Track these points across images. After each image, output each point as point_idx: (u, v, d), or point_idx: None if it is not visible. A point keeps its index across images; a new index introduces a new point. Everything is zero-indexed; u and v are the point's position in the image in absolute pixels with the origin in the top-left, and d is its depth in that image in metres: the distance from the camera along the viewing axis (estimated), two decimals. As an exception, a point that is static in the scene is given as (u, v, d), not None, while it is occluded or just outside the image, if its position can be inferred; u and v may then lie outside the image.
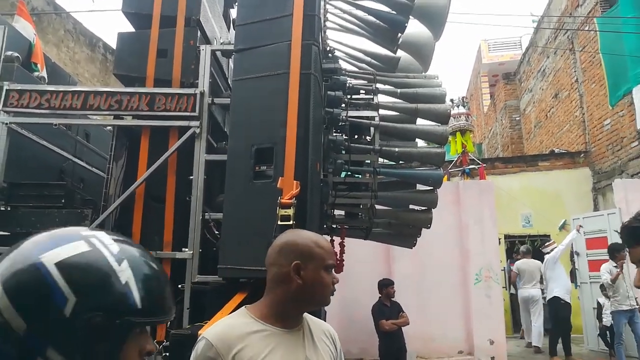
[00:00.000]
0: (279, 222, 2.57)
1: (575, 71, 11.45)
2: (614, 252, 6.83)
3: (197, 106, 3.30)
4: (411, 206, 4.30)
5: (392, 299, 6.88)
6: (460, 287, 7.48)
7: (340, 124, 3.65)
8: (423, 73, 4.24)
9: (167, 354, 2.64)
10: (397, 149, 3.75)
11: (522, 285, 9.01)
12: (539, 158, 11.39)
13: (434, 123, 3.80)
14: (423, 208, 3.84)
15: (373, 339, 6.67)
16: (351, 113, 3.82)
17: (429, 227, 3.87)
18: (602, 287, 7.89)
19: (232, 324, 1.32)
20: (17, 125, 3.44)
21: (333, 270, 1.38)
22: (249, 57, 3.02)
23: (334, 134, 3.68)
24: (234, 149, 2.91)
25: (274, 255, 1.40)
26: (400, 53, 5.03)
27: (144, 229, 3.26)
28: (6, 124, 3.33)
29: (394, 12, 4.27)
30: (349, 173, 3.80)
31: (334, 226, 3.99)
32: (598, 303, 7.89)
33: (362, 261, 7.43)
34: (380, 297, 6.81)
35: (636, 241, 1.49)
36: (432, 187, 3.72)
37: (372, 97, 3.86)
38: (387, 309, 6.75)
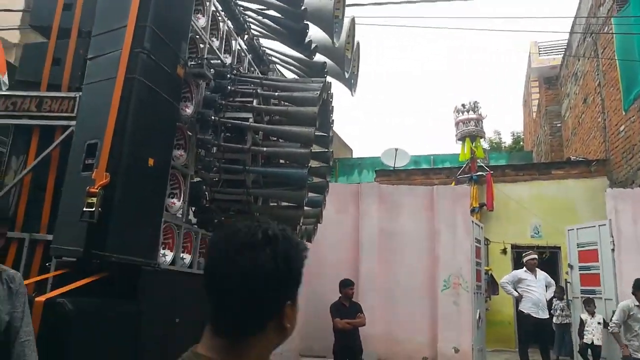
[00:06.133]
0: (84, 209, 2.94)
1: (597, 74, 10.80)
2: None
3: (75, 108, 3.74)
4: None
5: (352, 299, 7.00)
6: (428, 293, 7.43)
7: (213, 124, 3.95)
8: (312, 79, 4.42)
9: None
10: (265, 149, 3.98)
11: None
12: (552, 166, 10.87)
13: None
14: (292, 205, 4.03)
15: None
16: (232, 115, 4.11)
17: (299, 224, 4.05)
18: (586, 303, 7.49)
19: None
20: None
21: None
22: (95, 64, 3.42)
23: (210, 134, 3.98)
24: (76, 144, 3.31)
25: None
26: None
27: (27, 214, 3.74)
28: None
29: (289, 20, 4.50)
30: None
31: (216, 220, 4.27)
32: (580, 319, 7.47)
33: (330, 261, 7.61)
34: (340, 296, 6.95)
35: None
36: (297, 185, 3.90)
37: (251, 100, 4.11)
38: (344, 308, 6.88)
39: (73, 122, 3.75)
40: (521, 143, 29.17)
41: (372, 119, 67.05)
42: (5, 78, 5.28)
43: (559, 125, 16.02)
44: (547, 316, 7.47)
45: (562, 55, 15.48)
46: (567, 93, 14.46)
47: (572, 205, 10.21)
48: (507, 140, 32.89)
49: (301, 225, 4.09)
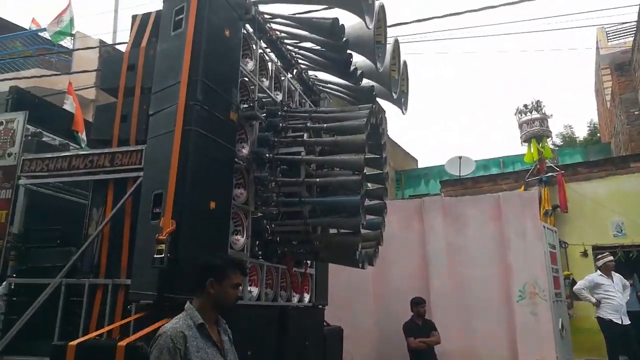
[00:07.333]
0: (155, 256, 3.20)
1: (673, 56, 10.05)
2: None
3: (142, 160, 4.07)
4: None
5: (424, 317, 6.94)
6: (504, 304, 7.19)
7: (267, 161, 4.14)
8: (359, 106, 4.51)
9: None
10: (318, 180, 4.12)
11: None
12: (630, 159, 10.18)
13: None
14: (349, 231, 4.12)
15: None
16: (285, 150, 4.29)
17: (358, 250, 4.12)
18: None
19: None
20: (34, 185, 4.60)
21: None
22: (157, 118, 3.72)
23: (265, 170, 4.18)
24: (144, 195, 3.61)
25: None
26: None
27: (109, 261, 4.10)
28: (22, 185, 4.50)
29: (333, 52, 4.66)
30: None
31: (279, 251, 4.44)
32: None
33: (399, 279, 7.59)
34: (412, 315, 6.93)
35: None
36: (351, 212, 3.99)
37: (302, 134, 4.27)
38: (418, 327, 6.85)
39: (141, 173, 4.10)
40: (598, 135, 27.50)
41: (438, 127, 65.99)
42: (84, 135, 5.83)
43: (636, 112, 14.99)
44: (629, 322, 7.00)
45: (633, 38, 14.53)
46: (642, 78, 13.55)
47: (656, 199, 9.52)
48: (582, 133, 31.14)
49: (360, 250, 4.17)
